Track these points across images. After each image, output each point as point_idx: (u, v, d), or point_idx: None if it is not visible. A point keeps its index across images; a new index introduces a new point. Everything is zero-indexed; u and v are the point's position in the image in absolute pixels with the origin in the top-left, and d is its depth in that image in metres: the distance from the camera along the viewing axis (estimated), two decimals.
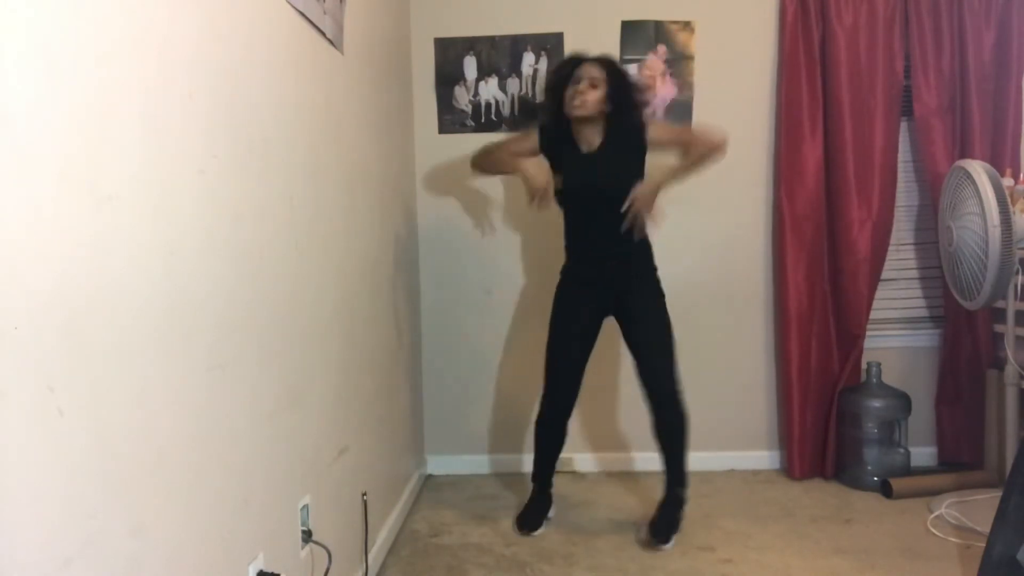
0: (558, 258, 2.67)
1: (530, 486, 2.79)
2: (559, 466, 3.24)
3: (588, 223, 2.57)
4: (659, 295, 2.60)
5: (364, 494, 2.23)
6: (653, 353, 2.56)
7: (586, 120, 2.52)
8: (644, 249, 2.60)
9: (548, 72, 2.66)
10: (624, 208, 2.48)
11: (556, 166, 2.58)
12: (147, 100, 1.12)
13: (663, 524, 2.52)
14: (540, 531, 2.65)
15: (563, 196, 2.58)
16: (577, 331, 2.63)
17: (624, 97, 2.53)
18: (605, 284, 2.59)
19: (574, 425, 3.29)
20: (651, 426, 2.60)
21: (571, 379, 2.66)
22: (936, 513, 2.66)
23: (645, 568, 2.34)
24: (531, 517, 2.68)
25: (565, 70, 2.55)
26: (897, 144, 3.11)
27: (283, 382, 1.65)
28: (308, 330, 1.81)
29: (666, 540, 2.49)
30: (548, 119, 2.63)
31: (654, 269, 2.61)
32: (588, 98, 2.48)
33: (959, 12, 3.04)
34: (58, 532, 0.92)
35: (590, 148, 2.56)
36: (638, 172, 2.55)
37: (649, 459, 3.28)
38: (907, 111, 3.13)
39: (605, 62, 2.53)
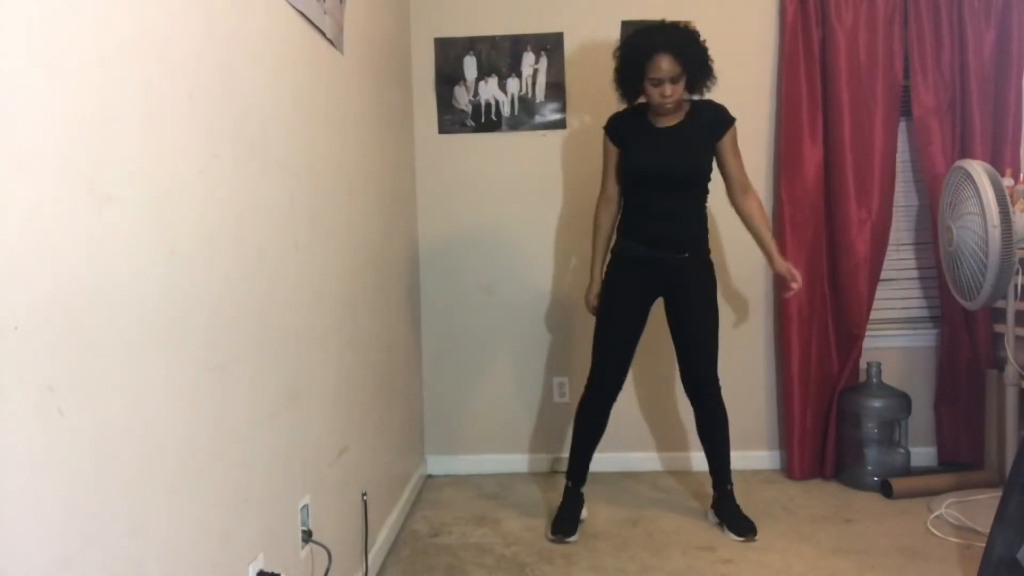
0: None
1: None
2: (558, 466, 3.26)
3: (653, 202, 2.52)
4: (712, 287, 2.58)
5: (364, 494, 2.23)
6: (698, 352, 2.56)
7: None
8: (703, 237, 2.57)
9: (619, 54, 2.49)
10: (790, 293, 2.56)
11: (627, 145, 2.55)
12: (147, 100, 1.12)
13: (738, 523, 2.55)
14: (575, 537, 2.56)
15: (632, 175, 2.53)
16: (628, 313, 2.58)
17: (701, 72, 2.46)
18: (660, 267, 2.53)
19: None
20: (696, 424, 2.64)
21: (621, 361, 2.59)
22: (936, 513, 2.66)
23: (645, 568, 2.34)
24: (567, 521, 2.59)
25: (639, 63, 2.41)
26: (896, 144, 3.11)
27: (283, 382, 1.65)
28: (308, 330, 1.81)
29: (754, 532, 2.52)
30: (624, 105, 2.57)
31: (710, 259, 2.59)
32: (677, 97, 2.42)
33: (959, 12, 3.03)
34: (58, 532, 0.92)
35: (667, 123, 2.52)
36: (711, 157, 2.53)
37: (648, 459, 3.29)
38: (906, 111, 3.13)
39: (678, 51, 2.38)
